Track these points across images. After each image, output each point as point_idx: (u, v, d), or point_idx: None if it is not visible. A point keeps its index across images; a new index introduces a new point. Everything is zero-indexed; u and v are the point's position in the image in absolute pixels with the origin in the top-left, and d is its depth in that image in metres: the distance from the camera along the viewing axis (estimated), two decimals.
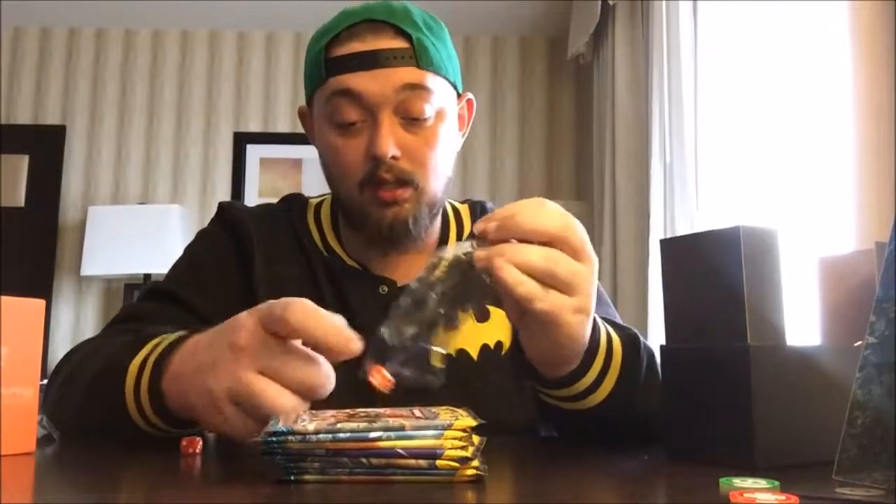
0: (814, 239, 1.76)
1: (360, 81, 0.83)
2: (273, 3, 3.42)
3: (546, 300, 0.58)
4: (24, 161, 3.55)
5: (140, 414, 0.67)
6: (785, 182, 1.96)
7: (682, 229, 2.39)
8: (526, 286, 0.57)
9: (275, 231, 0.95)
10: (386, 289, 0.91)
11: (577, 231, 0.61)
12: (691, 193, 2.40)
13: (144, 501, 0.45)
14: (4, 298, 0.57)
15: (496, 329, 0.90)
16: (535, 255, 0.58)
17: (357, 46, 0.85)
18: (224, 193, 3.57)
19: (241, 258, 0.92)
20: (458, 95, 0.93)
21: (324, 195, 1.03)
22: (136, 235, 3.18)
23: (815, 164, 1.84)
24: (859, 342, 0.55)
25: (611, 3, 2.84)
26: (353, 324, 0.92)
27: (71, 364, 0.82)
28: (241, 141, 3.60)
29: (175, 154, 3.61)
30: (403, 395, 0.58)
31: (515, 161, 3.65)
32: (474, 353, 0.88)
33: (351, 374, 0.60)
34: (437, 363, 0.59)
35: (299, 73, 3.69)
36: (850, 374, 0.46)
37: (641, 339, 0.76)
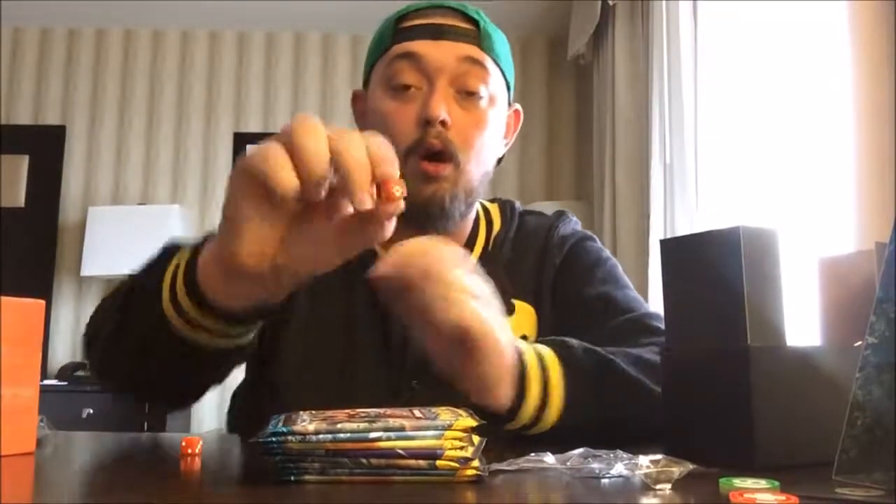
0: (814, 239, 1.76)
1: (424, 47, 0.87)
2: (273, 3, 3.42)
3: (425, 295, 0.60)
4: (24, 161, 3.55)
5: (177, 311, 0.64)
6: (785, 182, 1.96)
7: (682, 229, 2.39)
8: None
9: None
10: None
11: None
12: (691, 193, 2.41)
13: (144, 501, 0.45)
14: (4, 298, 0.57)
15: (521, 323, 0.90)
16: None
17: (426, 21, 0.89)
18: (224, 194, 3.57)
19: None
20: (509, 104, 0.96)
21: None
22: (136, 235, 3.17)
23: (816, 163, 1.84)
24: (859, 342, 0.55)
25: (611, 3, 2.83)
26: (382, 312, 0.90)
27: (94, 319, 0.79)
28: (241, 141, 3.60)
29: (175, 154, 3.61)
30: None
31: (516, 161, 3.65)
32: None
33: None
34: None
35: (299, 73, 3.69)
36: (850, 374, 0.46)
37: (577, 343, 0.73)
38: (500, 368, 0.63)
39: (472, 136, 0.87)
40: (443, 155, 0.85)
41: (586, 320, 0.89)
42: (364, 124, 0.94)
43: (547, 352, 0.71)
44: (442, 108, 0.84)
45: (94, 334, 0.76)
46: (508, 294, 0.91)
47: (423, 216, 0.86)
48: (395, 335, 0.87)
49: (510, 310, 0.91)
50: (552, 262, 0.95)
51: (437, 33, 0.87)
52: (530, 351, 0.69)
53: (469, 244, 0.94)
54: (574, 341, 0.74)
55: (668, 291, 0.63)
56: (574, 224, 1.02)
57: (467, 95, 0.87)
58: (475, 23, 0.89)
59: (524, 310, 0.92)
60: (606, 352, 0.75)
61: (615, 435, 0.64)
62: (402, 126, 0.86)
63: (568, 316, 0.92)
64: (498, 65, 0.90)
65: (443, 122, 0.84)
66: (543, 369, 0.69)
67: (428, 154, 0.85)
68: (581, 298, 0.92)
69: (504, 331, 0.64)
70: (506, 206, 1.02)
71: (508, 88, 0.94)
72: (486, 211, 1.01)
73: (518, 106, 1.00)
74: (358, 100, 0.97)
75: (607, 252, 1.01)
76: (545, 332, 0.90)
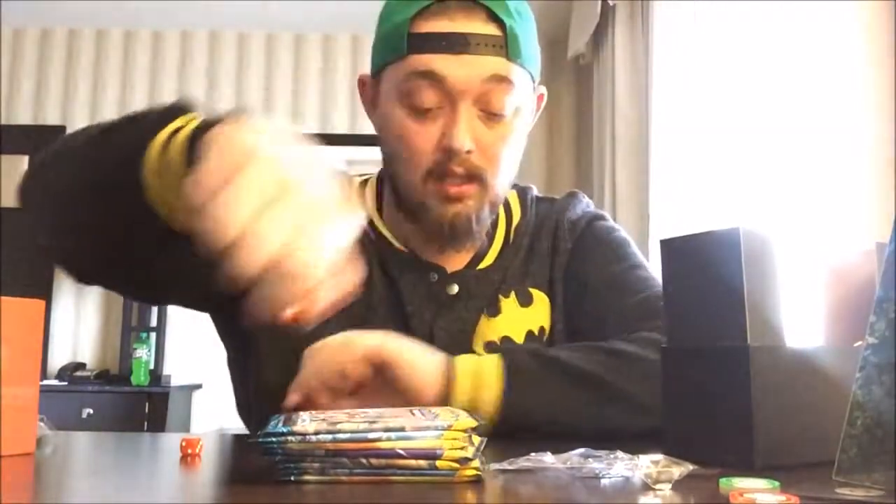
0: (815, 239, 1.76)
1: (446, 65, 0.78)
2: (272, 3, 3.42)
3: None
4: (24, 161, 3.55)
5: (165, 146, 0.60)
6: (785, 182, 1.96)
7: (682, 229, 2.39)
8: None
9: None
10: (436, 276, 0.88)
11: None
12: (691, 193, 2.41)
13: (145, 501, 0.45)
14: (4, 298, 0.57)
15: (538, 314, 0.89)
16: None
17: (446, 26, 0.79)
18: None
19: None
20: (533, 88, 0.89)
21: (365, 174, 0.98)
22: None
23: (816, 163, 1.84)
24: (859, 342, 0.55)
25: (611, 3, 2.84)
26: (403, 311, 0.87)
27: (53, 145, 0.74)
28: None
29: None
30: None
31: None
32: (520, 340, 0.87)
33: None
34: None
35: (299, 73, 3.69)
36: (850, 374, 0.46)
37: (528, 348, 0.77)
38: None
39: (498, 154, 0.82)
40: (467, 177, 0.82)
41: (597, 304, 0.88)
42: (374, 116, 0.89)
43: (490, 356, 0.74)
44: (468, 137, 0.79)
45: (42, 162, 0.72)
46: (527, 284, 0.90)
47: (450, 237, 0.84)
48: (417, 335, 0.83)
49: (528, 300, 0.90)
50: (564, 248, 0.92)
51: (460, 46, 0.78)
52: (466, 358, 0.73)
53: (489, 237, 0.92)
54: (528, 347, 0.78)
55: (668, 291, 0.63)
56: (584, 205, 0.99)
57: (491, 115, 0.81)
58: (501, 24, 0.79)
59: (540, 299, 0.90)
60: (567, 350, 0.76)
61: (583, 435, 0.63)
62: (421, 151, 0.81)
63: (580, 301, 0.90)
64: (525, 66, 0.83)
65: (468, 151, 0.80)
66: (476, 371, 0.72)
67: (451, 176, 0.81)
68: (591, 282, 0.90)
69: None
70: (525, 195, 0.98)
71: (534, 79, 0.87)
72: (506, 201, 0.97)
73: (543, 90, 0.92)
74: (365, 86, 0.91)
75: (618, 230, 0.97)
76: (558, 320, 0.89)
